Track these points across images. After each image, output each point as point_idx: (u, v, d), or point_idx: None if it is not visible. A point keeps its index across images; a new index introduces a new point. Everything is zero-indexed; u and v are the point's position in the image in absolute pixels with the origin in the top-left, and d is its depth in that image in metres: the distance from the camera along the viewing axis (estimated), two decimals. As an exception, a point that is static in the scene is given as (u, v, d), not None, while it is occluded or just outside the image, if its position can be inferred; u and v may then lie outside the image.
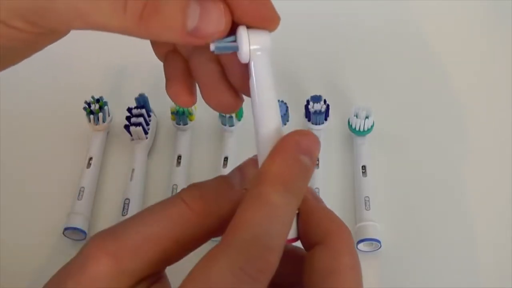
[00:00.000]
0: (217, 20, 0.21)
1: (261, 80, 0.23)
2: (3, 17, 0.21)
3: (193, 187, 0.24)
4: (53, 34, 0.23)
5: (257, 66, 0.23)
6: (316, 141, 0.23)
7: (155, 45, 0.28)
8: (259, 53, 0.23)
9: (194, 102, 0.27)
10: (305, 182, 0.22)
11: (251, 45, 0.23)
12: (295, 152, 0.22)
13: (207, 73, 0.26)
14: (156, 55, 0.28)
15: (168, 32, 0.21)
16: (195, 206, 0.23)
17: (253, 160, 0.26)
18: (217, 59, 0.26)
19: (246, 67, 0.24)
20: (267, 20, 0.23)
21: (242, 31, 0.23)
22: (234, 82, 0.26)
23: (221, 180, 0.25)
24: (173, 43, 0.27)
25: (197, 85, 0.28)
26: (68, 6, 0.20)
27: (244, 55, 0.23)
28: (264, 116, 0.23)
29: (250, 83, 0.23)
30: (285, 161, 0.22)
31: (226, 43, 0.23)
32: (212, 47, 0.22)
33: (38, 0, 0.20)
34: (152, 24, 0.21)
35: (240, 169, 0.26)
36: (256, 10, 0.22)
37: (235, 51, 0.23)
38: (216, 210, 0.23)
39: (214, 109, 0.27)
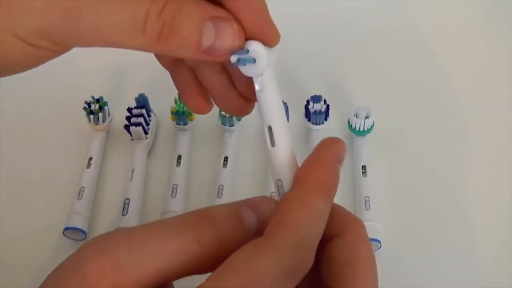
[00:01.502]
0: (232, 39, 0.22)
1: (274, 93, 0.24)
2: (27, 37, 0.21)
3: (208, 225, 0.23)
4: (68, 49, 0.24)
5: (269, 80, 0.24)
6: (345, 147, 0.25)
7: (160, 56, 0.28)
8: (269, 67, 0.24)
9: (212, 107, 0.29)
10: (337, 186, 0.24)
11: (268, 59, 0.23)
12: (335, 161, 0.24)
13: (217, 83, 0.27)
14: (161, 64, 0.29)
15: (183, 51, 0.22)
16: (210, 250, 0.23)
17: (266, 201, 0.26)
18: (225, 69, 0.27)
19: (250, 78, 0.24)
20: (269, 38, 0.24)
21: (259, 46, 0.23)
22: (241, 89, 0.27)
23: (236, 218, 0.24)
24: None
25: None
26: (92, 29, 0.21)
27: (260, 69, 0.23)
28: (279, 130, 0.24)
29: (262, 95, 0.24)
30: (327, 169, 0.24)
31: (245, 56, 0.23)
32: (233, 59, 0.23)
33: (63, 23, 0.21)
34: (169, 44, 0.22)
35: (252, 206, 0.25)
36: (260, 29, 0.23)
37: (252, 63, 0.23)
38: (228, 253, 0.23)
39: (229, 114, 0.28)
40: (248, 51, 0.23)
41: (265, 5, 0.24)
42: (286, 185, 0.25)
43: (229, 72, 0.27)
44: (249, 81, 0.25)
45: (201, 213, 0.24)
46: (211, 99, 0.28)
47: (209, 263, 0.23)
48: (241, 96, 0.27)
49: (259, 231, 0.24)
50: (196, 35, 0.22)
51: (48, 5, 0.21)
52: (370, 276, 0.24)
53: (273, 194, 0.43)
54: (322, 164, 0.24)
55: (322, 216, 0.23)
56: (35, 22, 0.21)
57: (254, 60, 0.23)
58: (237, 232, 0.24)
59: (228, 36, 0.22)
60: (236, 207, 0.25)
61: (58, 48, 0.22)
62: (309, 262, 0.22)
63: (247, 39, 0.23)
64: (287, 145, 0.24)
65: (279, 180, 0.24)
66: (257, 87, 0.24)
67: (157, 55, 0.28)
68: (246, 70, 0.24)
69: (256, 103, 0.26)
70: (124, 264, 0.22)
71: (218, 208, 0.25)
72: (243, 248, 0.21)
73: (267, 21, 0.24)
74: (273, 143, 0.24)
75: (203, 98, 0.28)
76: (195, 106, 0.28)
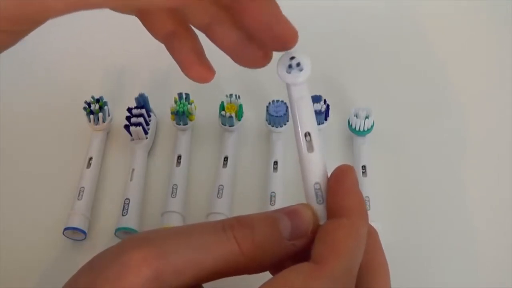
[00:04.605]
0: None
1: (310, 100, 0.26)
2: None
3: (246, 227, 0.25)
4: (27, 30, 0.23)
5: (307, 88, 0.25)
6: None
7: (152, 26, 0.28)
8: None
9: (214, 74, 0.28)
10: None
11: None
12: (358, 187, 0.25)
13: (234, 40, 0.27)
14: (155, 37, 0.29)
15: None
16: (247, 250, 0.24)
17: (303, 207, 0.26)
18: (239, 26, 0.27)
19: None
20: (287, 38, 0.24)
21: (305, 54, 0.25)
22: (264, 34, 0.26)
23: (272, 223, 0.25)
24: (162, 8, 0.27)
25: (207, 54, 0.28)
26: None
27: (306, 76, 0.25)
28: (316, 136, 0.25)
29: (301, 103, 0.25)
30: (359, 196, 0.25)
31: (296, 62, 0.24)
32: (283, 67, 0.25)
33: None
34: None
35: (288, 213, 0.26)
36: (274, 29, 0.24)
37: (299, 71, 0.24)
38: (263, 257, 0.25)
39: (248, 67, 0.28)
40: (294, 57, 0.24)
41: (276, 5, 0.24)
42: (324, 187, 0.26)
43: (248, 24, 0.26)
44: (272, 29, 0.25)
45: (239, 217, 0.25)
46: (211, 67, 0.28)
47: (246, 264, 0.24)
48: (260, 48, 0.27)
49: (293, 236, 0.25)
50: None
51: None
52: (389, 282, 0.26)
53: (273, 194, 0.43)
54: (355, 192, 0.25)
55: (364, 241, 0.24)
56: None
57: (301, 68, 0.24)
58: (271, 236, 0.25)
59: None
60: (272, 214, 0.26)
61: (15, 27, 0.22)
62: (353, 286, 0.23)
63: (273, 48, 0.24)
64: (323, 150, 0.26)
65: (317, 183, 0.26)
66: (297, 94, 0.25)
67: (150, 26, 0.28)
68: (292, 78, 0.25)
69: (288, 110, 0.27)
70: (168, 254, 0.23)
71: (255, 214, 0.26)
72: (298, 270, 0.23)
73: (280, 19, 0.24)
74: (310, 149, 0.25)
75: (205, 66, 0.28)
76: (198, 76, 0.28)
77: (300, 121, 0.25)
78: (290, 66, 0.24)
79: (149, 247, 0.23)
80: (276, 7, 0.24)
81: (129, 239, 0.24)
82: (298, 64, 0.24)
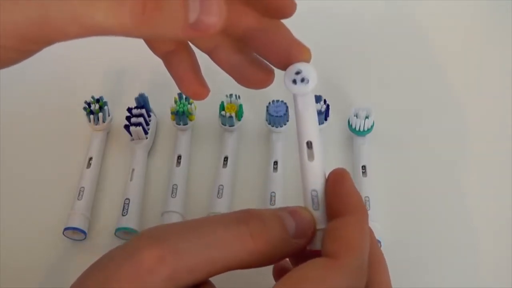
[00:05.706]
0: (217, 11, 0.21)
1: (315, 111, 0.26)
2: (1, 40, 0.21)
3: (260, 222, 0.25)
4: (37, 49, 0.23)
5: (312, 98, 0.26)
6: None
7: (154, 45, 0.29)
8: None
9: (209, 91, 0.29)
10: None
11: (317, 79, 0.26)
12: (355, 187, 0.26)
13: (237, 62, 0.28)
14: (154, 52, 0.29)
15: (170, 28, 0.21)
16: (260, 245, 0.24)
17: (302, 209, 0.27)
18: (241, 48, 0.28)
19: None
20: (301, 58, 0.26)
21: (311, 67, 0.25)
22: (272, 58, 0.27)
23: (280, 220, 0.25)
24: (175, 40, 0.28)
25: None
26: (63, 11, 0.20)
27: (311, 88, 0.25)
28: (318, 145, 0.26)
29: (305, 113, 0.26)
30: (359, 196, 0.26)
31: (301, 76, 0.25)
32: (289, 80, 0.25)
33: (32, 12, 0.20)
34: (154, 21, 0.21)
35: (292, 215, 0.26)
36: (290, 52, 0.26)
37: (305, 84, 0.25)
38: (274, 253, 0.25)
39: (249, 87, 0.29)
40: (301, 71, 0.25)
41: (287, 29, 0.26)
42: (321, 194, 0.26)
43: (257, 47, 0.27)
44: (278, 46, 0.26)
45: (250, 211, 0.25)
46: (206, 84, 0.29)
47: (257, 259, 0.24)
48: (262, 69, 0.28)
49: (296, 234, 0.25)
50: (182, 9, 0.21)
51: (15, 3, 0.20)
52: (388, 274, 0.26)
53: (273, 194, 0.43)
54: (355, 191, 0.26)
55: (369, 237, 0.25)
56: (6, 18, 0.20)
57: (307, 80, 0.25)
58: (281, 233, 0.25)
59: (213, 8, 0.21)
60: (278, 212, 0.26)
61: (31, 47, 0.22)
62: (365, 281, 0.24)
63: (289, 63, 0.25)
64: (323, 159, 0.26)
65: (314, 190, 0.26)
66: (302, 104, 0.26)
67: (151, 45, 0.28)
68: (298, 88, 0.25)
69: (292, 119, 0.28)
70: (182, 252, 0.23)
71: (264, 210, 0.26)
72: (314, 264, 0.23)
73: (294, 42, 0.25)
74: (311, 157, 0.26)
75: (201, 84, 0.29)
76: (194, 93, 0.29)
77: (304, 130, 0.26)
78: (295, 80, 0.25)
79: (162, 245, 0.22)
80: (288, 32, 0.26)
81: (140, 237, 0.23)
82: (302, 80, 0.25)
